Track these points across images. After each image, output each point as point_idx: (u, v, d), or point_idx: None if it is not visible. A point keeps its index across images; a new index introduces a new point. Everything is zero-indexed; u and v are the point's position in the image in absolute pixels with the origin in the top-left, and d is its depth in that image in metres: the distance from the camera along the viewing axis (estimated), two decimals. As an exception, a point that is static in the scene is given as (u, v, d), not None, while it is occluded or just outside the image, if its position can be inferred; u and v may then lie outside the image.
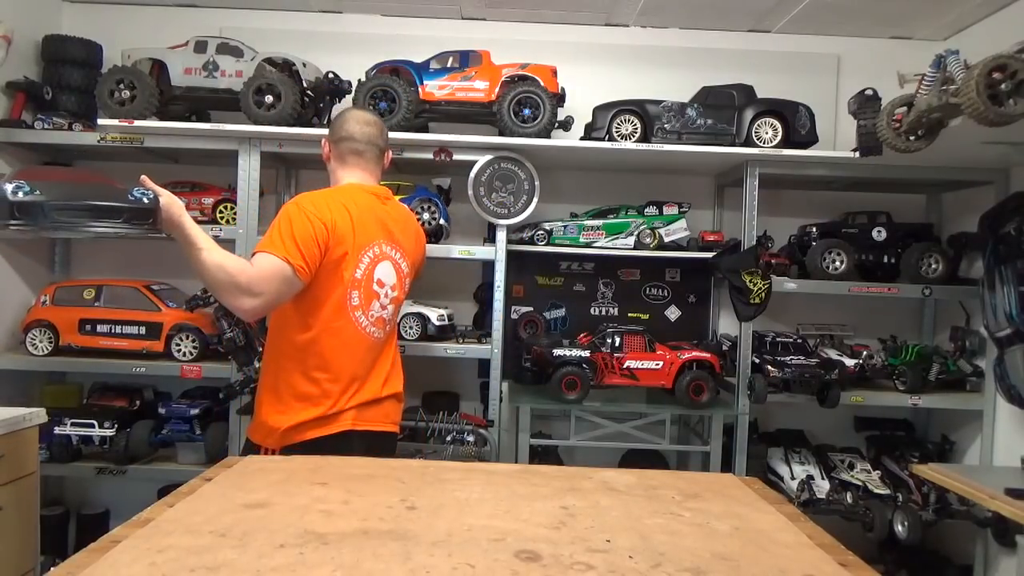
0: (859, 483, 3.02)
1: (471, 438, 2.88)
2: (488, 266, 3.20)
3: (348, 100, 3.00)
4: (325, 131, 2.94)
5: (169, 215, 1.87)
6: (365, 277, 2.09)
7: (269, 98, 2.83)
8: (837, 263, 3.11)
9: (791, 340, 3.16)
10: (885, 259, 3.21)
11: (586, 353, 2.94)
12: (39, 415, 2.48)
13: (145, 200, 1.82)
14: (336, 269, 2.02)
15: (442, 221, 3.03)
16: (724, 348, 3.27)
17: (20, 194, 1.71)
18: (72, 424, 2.96)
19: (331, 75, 3.01)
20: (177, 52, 2.96)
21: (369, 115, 2.29)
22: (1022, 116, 2.03)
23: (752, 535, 1.18)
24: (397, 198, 2.98)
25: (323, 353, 2.04)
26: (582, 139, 3.09)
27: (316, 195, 2.09)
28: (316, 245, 1.96)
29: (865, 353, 3.20)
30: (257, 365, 2.45)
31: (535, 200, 3.03)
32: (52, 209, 1.73)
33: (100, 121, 2.90)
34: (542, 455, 3.13)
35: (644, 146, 2.98)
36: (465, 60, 3.03)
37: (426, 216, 3.02)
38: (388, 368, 2.22)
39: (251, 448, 2.08)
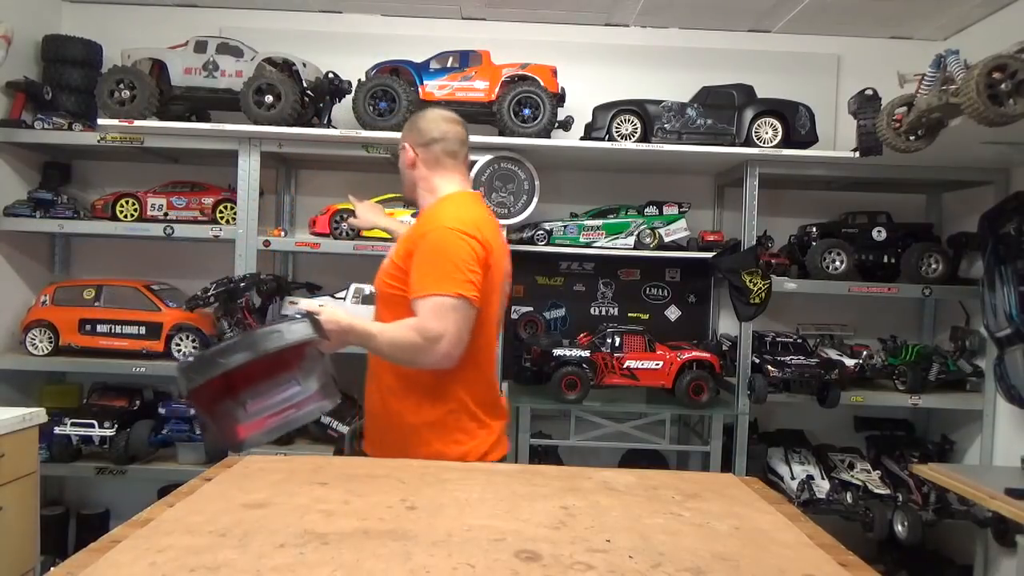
0: (859, 483, 3.02)
1: (471, 438, 2.88)
2: (488, 266, 3.19)
3: (348, 100, 3.01)
4: (325, 131, 2.97)
5: (337, 324, 1.73)
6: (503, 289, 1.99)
7: (269, 98, 2.83)
8: (837, 263, 3.10)
9: (791, 340, 3.16)
10: (885, 259, 3.21)
11: (586, 353, 2.94)
12: (39, 415, 2.48)
13: (296, 315, 1.77)
14: (492, 287, 1.88)
15: None
16: (724, 348, 3.27)
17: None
18: (72, 424, 2.96)
19: (331, 75, 3.01)
20: (177, 52, 2.96)
21: (451, 112, 2.05)
22: (1022, 116, 2.04)
23: (752, 535, 1.18)
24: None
25: (487, 374, 1.94)
26: (582, 139, 3.10)
27: (456, 213, 1.86)
28: (477, 263, 1.79)
29: (865, 353, 3.20)
30: None
31: (535, 200, 3.03)
32: (215, 354, 1.67)
33: (100, 121, 2.90)
34: (542, 455, 3.13)
35: (644, 146, 2.98)
36: (465, 60, 3.03)
37: None
38: None
39: None
